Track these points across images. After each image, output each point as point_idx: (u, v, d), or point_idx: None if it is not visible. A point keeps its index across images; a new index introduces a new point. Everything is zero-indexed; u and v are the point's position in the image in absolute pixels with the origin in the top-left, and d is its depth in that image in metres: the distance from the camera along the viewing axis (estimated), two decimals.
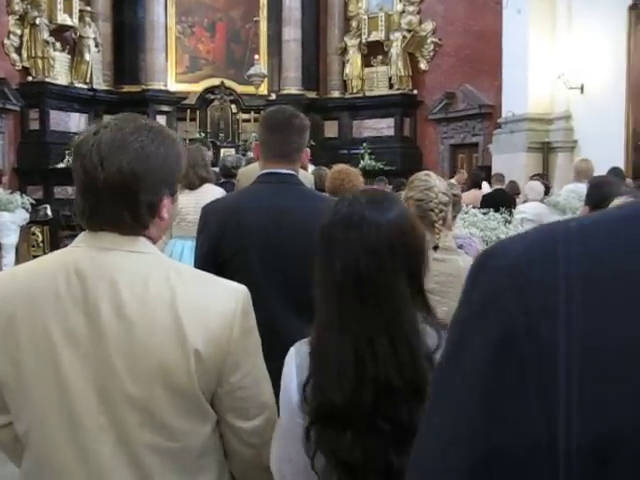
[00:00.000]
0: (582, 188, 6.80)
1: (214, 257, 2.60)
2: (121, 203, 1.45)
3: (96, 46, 15.83)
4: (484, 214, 5.82)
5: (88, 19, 15.65)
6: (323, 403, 1.48)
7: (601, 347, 0.54)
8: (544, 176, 10.56)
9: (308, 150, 2.80)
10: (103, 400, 1.42)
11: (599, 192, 2.90)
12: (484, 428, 0.59)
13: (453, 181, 8.59)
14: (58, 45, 15.24)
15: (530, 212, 7.45)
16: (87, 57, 15.63)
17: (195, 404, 1.47)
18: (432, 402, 0.65)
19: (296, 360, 1.60)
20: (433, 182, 2.92)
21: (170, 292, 1.44)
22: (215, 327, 1.46)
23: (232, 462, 1.64)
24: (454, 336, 0.64)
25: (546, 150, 12.42)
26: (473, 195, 9.12)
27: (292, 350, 1.63)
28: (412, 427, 1.40)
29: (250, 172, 5.26)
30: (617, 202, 2.46)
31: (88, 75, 15.73)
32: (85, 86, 15.74)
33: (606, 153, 9.80)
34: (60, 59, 15.37)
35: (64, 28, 15.27)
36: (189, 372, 1.42)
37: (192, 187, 5.20)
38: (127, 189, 1.45)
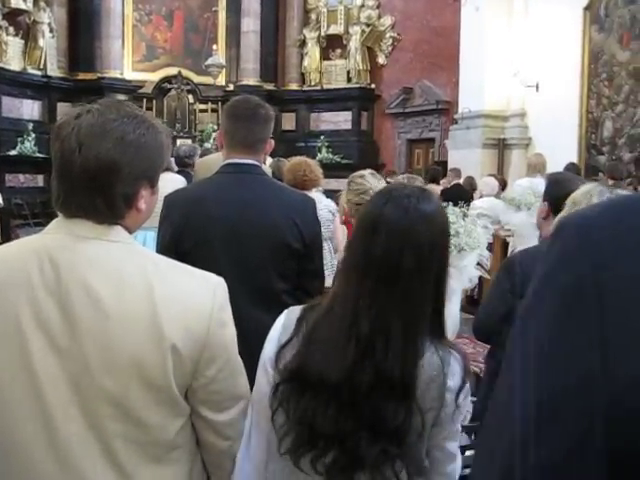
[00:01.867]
0: (537, 183, 6.90)
1: (176, 247, 2.55)
2: (96, 191, 1.41)
3: (51, 32, 15.54)
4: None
5: (43, 4, 15.36)
6: (305, 368, 1.49)
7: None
8: (496, 177, 10.67)
9: (272, 141, 2.78)
10: (75, 391, 1.39)
11: (558, 188, 2.93)
12: (551, 366, 0.69)
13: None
14: (11, 29, 14.93)
15: (484, 207, 7.57)
16: (41, 43, 15.34)
17: (169, 398, 1.45)
18: (512, 343, 0.77)
19: (284, 321, 1.62)
20: (368, 184, 2.92)
21: (147, 285, 1.41)
22: (193, 321, 1.44)
23: (206, 453, 1.63)
24: (534, 287, 0.75)
25: (501, 147, 12.58)
26: (431, 190, 9.19)
27: (285, 311, 1.65)
28: (391, 425, 1.43)
29: (209, 162, 5.20)
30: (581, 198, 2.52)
31: (42, 61, 15.45)
32: (39, 72, 15.46)
33: (560, 150, 9.98)
34: (13, 44, 15.05)
35: (18, 12, 14.95)
36: (165, 367, 1.40)
37: None
38: (103, 177, 1.41)
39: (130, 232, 1.52)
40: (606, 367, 0.65)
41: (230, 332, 1.55)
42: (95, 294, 1.38)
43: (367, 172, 3.17)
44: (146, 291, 1.40)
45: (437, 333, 1.54)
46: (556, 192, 2.91)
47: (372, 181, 3.04)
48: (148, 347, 1.39)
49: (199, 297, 1.47)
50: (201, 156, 6.58)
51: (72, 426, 1.39)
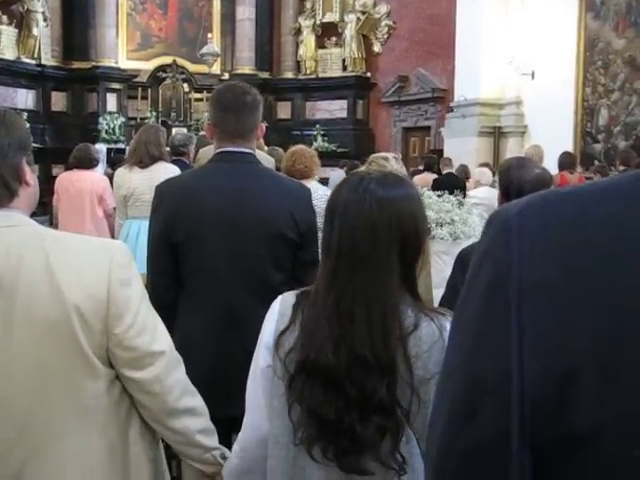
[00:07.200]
0: None
1: (168, 237, 2.52)
2: None
3: (44, 20, 15.41)
4: (439, 196, 5.85)
5: None
6: (308, 359, 1.53)
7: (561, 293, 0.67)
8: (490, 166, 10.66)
9: (263, 125, 2.72)
10: None
11: (506, 175, 2.86)
12: (471, 359, 0.73)
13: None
14: (5, 18, 14.84)
15: (480, 196, 7.56)
16: (35, 32, 15.23)
17: (84, 361, 1.54)
18: (449, 338, 0.82)
19: (280, 308, 1.65)
20: (390, 167, 2.91)
21: (44, 256, 1.50)
22: (91, 282, 1.53)
23: (141, 411, 1.70)
24: (467, 278, 0.76)
25: (497, 135, 12.58)
26: (424, 178, 9.18)
27: (279, 298, 1.69)
28: (376, 400, 1.47)
29: (211, 152, 5.15)
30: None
31: (36, 50, 15.35)
32: (33, 61, 15.36)
33: (555, 138, 9.97)
34: (7, 33, 14.95)
35: (11, 1, 14.86)
36: (73, 328, 1.49)
37: (142, 165, 5.10)
38: None
39: (26, 213, 1.62)
40: (521, 363, 0.68)
41: (135, 290, 1.63)
42: None
43: (391, 155, 3.15)
44: (43, 262, 1.50)
45: (421, 306, 1.57)
46: (503, 179, 2.87)
47: (395, 165, 3.02)
48: (53, 312, 1.49)
49: (96, 259, 1.57)
50: (198, 144, 6.56)
51: None
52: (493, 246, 0.74)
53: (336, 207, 1.58)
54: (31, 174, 1.62)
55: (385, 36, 16.97)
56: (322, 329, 1.53)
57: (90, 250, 1.59)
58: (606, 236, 0.67)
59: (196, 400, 1.78)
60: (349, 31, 17.10)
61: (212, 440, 1.82)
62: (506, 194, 2.75)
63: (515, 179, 2.68)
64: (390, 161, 2.98)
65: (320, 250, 1.66)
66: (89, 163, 6.40)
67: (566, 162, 8.27)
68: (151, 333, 1.64)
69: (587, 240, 0.68)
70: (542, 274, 0.69)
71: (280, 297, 1.69)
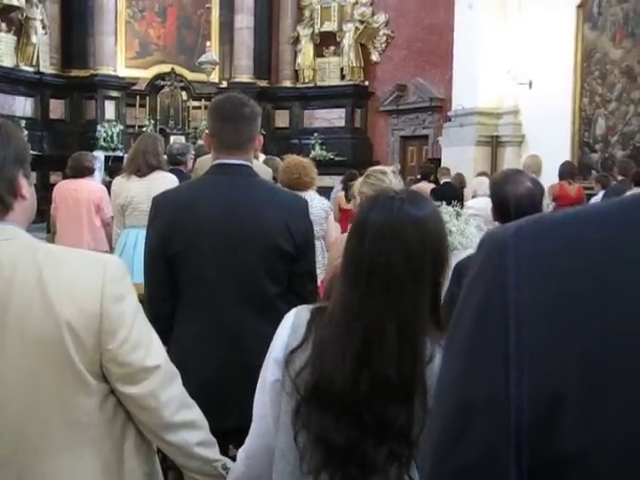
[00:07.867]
0: None
1: (164, 249, 2.52)
2: None
3: (43, 28, 15.45)
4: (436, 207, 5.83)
5: (35, 0, 15.26)
6: (319, 384, 1.50)
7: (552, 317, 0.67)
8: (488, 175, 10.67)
9: (261, 137, 2.72)
10: None
11: (495, 189, 2.84)
12: (462, 380, 0.73)
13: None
14: (3, 26, 14.86)
15: (477, 207, 7.55)
16: (34, 39, 15.26)
17: (75, 376, 1.52)
18: (442, 357, 0.81)
19: (293, 322, 1.62)
20: (388, 182, 2.90)
21: (37, 270, 1.49)
22: (83, 296, 1.51)
23: (138, 425, 1.69)
24: (460, 297, 0.76)
25: (495, 144, 12.59)
26: (422, 188, 9.17)
27: (292, 311, 1.66)
28: (394, 427, 1.45)
29: (209, 161, 5.14)
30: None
31: (34, 58, 15.37)
32: (31, 69, 15.38)
33: (553, 148, 10.00)
34: (5, 40, 14.98)
35: (10, 8, 14.85)
36: (64, 343, 1.48)
37: (140, 174, 5.09)
38: None
39: (22, 226, 1.61)
40: (507, 386, 0.68)
41: (129, 305, 1.60)
42: None
43: (389, 169, 3.15)
44: (36, 276, 1.49)
45: (437, 336, 1.54)
46: (495, 193, 2.85)
47: (393, 180, 3.01)
48: (45, 327, 1.48)
49: (88, 274, 1.55)
50: (197, 153, 6.56)
51: None
52: (487, 266, 0.73)
53: (368, 228, 1.54)
54: (28, 187, 1.60)
55: (383, 45, 17.02)
56: (339, 351, 1.50)
57: (83, 264, 1.58)
58: (600, 259, 0.67)
59: (194, 413, 1.76)
60: (347, 40, 17.15)
61: (212, 452, 1.80)
62: (498, 208, 2.74)
63: (506, 193, 2.68)
64: (388, 175, 2.97)
65: (342, 268, 1.61)
66: (84, 171, 6.40)
67: (566, 172, 8.29)
68: (146, 348, 1.62)
69: (583, 263, 0.68)
70: (539, 296, 0.68)
71: (294, 310, 1.66)
